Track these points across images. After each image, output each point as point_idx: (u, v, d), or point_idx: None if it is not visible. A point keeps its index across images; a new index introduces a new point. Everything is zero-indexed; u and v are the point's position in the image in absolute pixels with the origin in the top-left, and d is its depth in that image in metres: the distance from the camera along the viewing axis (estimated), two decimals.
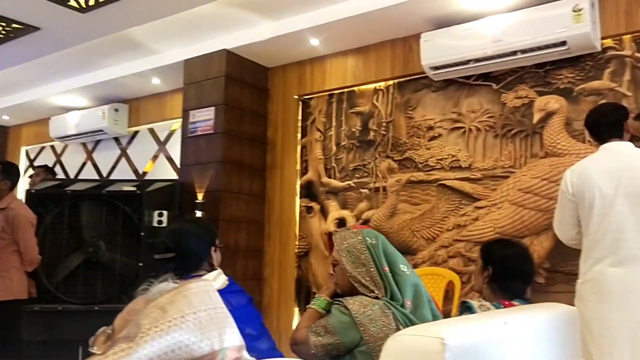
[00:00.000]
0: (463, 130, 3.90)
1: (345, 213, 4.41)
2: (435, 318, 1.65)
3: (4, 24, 4.21)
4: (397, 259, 1.63)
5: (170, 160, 5.48)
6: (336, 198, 4.47)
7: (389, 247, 1.66)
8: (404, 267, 1.61)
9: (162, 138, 5.63)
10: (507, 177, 3.68)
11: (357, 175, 4.37)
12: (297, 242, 4.59)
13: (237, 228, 4.45)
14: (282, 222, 4.67)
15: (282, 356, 1.58)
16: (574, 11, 3.16)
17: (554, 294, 3.41)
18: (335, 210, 4.47)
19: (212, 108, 4.44)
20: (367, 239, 1.66)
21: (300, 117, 4.72)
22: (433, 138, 4.03)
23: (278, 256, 4.63)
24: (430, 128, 4.04)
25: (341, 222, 4.42)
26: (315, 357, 1.60)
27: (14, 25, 4.22)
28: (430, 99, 4.06)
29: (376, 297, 1.56)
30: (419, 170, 4.06)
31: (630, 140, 2.74)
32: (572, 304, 3.31)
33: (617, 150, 2.45)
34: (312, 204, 4.59)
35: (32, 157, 7.02)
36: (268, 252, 4.70)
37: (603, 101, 3.35)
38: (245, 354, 0.87)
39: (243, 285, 4.40)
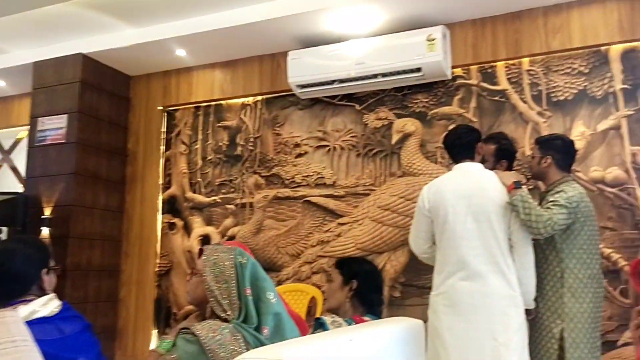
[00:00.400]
0: (328, 148, 3.99)
1: (210, 229, 4.29)
2: None
3: None
4: (265, 285, 1.55)
5: (15, 171, 4.95)
6: (201, 214, 4.33)
7: (260, 272, 1.59)
8: (270, 294, 1.53)
9: (6, 147, 5.08)
10: (368, 194, 3.81)
11: (223, 191, 4.28)
12: (157, 260, 4.36)
13: (90, 245, 4.12)
14: (141, 238, 4.42)
15: None
16: (428, 40, 3.39)
17: (409, 307, 3.57)
18: (199, 227, 4.32)
19: (65, 116, 4.10)
20: (238, 257, 1.58)
21: (164, 129, 4.53)
22: (299, 155, 4.07)
23: (136, 275, 4.36)
24: (297, 145, 4.08)
25: (205, 239, 4.28)
26: None
27: None
28: (297, 117, 4.11)
29: (226, 320, 1.47)
30: (285, 186, 4.07)
31: (481, 162, 2.98)
32: (426, 316, 3.52)
33: (468, 170, 2.60)
34: (175, 219, 4.40)
35: None
36: (125, 270, 4.41)
37: (452, 126, 3.61)
38: None
39: (95, 307, 4.12)
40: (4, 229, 3.68)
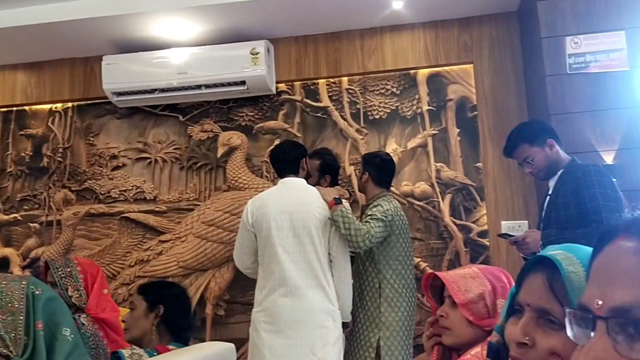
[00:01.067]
0: (149, 160, 3.75)
1: (9, 251, 3.76)
2: None
3: None
4: (62, 320, 1.33)
5: None
6: None
7: (58, 304, 1.36)
8: (67, 330, 1.32)
9: None
10: (192, 209, 3.65)
11: (25, 207, 3.79)
12: None
13: None
14: None
15: None
16: (252, 54, 3.36)
17: (233, 325, 3.48)
18: None
19: None
20: (32, 287, 1.32)
21: None
22: (117, 168, 3.76)
23: None
24: (114, 157, 3.78)
25: (4, 262, 3.75)
26: None
27: None
28: (115, 126, 3.81)
29: (8, 357, 1.24)
30: (99, 202, 3.73)
31: (306, 177, 3.01)
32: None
33: (292, 185, 2.60)
34: None
35: None
36: None
37: (278, 140, 3.62)
38: None
39: None
40: None
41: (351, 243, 2.48)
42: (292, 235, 2.45)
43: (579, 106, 2.77)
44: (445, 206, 3.35)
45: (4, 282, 1.32)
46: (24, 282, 1.33)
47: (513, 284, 1.33)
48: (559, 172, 2.31)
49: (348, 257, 2.56)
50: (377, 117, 3.53)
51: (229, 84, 3.47)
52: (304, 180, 2.65)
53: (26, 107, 3.88)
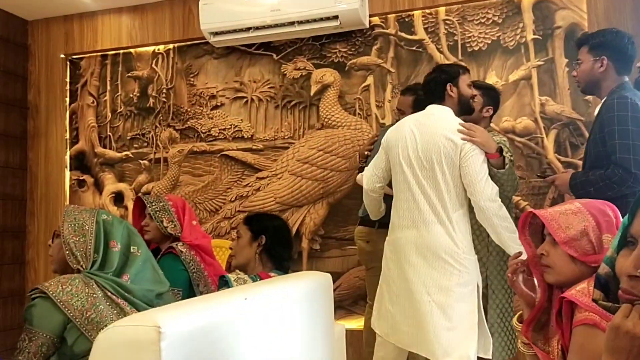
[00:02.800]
0: (245, 100, 3.84)
1: (123, 186, 4.08)
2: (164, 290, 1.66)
3: None
4: (130, 241, 1.61)
5: None
6: (112, 170, 4.10)
7: (130, 230, 1.65)
8: (134, 248, 1.60)
9: None
10: (287, 147, 3.73)
11: (135, 145, 4.06)
12: None
13: None
14: (48, 197, 4.15)
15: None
16: None
17: (328, 259, 3.59)
18: (111, 184, 4.10)
19: None
20: (102, 215, 1.62)
21: (68, 80, 4.20)
22: (216, 107, 3.90)
23: (44, 236, 4.11)
24: (213, 97, 3.91)
25: (118, 196, 4.08)
26: None
27: None
28: (212, 67, 3.92)
29: (78, 271, 1.49)
30: (201, 140, 3.91)
31: (401, 113, 2.94)
32: (344, 267, 3.55)
33: (431, 114, 2.37)
34: (85, 176, 4.15)
35: None
36: (32, 231, 4.15)
37: (371, 77, 3.56)
38: None
39: (0, 270, 3.86)
40: None
41: (505, 196, 2.32)
42: (417, 166, 2.27)
43: None
44: (549, 142, 3.16)
45: (77, 212, 1.61)
46: (94, 212, 1.63)
47: (620, 217, 1.25)
48: (602, 101, 2.11)
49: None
50: (476, 48, 3.35)
51: (322, 19, 3.42)
52: (446, 109, 2.36)
53: (132, 50, 4.08)
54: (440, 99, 2.38)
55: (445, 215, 2.21)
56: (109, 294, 1.46)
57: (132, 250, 1.59)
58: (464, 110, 2.41)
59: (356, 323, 3.39)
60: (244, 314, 1.21)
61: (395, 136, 2.37)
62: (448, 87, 2.37)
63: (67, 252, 1.53)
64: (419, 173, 2.26)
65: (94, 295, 1.45)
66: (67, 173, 4.16)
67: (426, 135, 2.28)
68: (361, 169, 3.09)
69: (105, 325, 1.34)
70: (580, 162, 3.07)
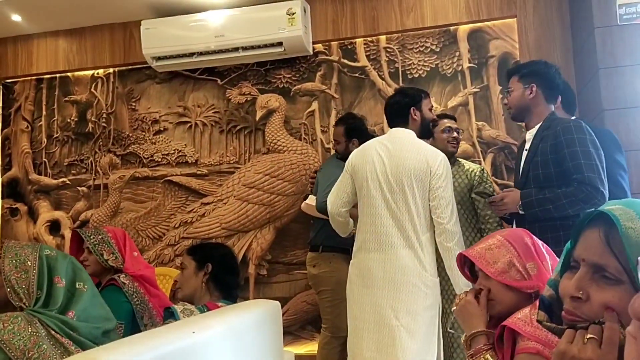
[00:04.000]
0: (189, 124, 3.80)
1: (59, 214, 3.92)
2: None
3: None
4: (76, 277, 1.58)
5: None
6: (48, 197, 3.94)
7: (74, 264, 1.63)
8: (80, 283, 1.57)
9: None
10: (232, 172, 3.70)
11: (73, 172, 3.92)
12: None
13: None
14: None
15: None
16: (288, 14, 3.32)
17: (275, 284, 3.57)
18: (47, 212, 3.93)
19: None
20: (46, 250, 1.59)
21: (0, 104, 4.02)
22: (159, 132, 3.84)
23: None
24: (156, 121, 3.84)
25: (54, 225, 3.91)
26: None
27: None
28: (155, 91, 3.86)
29: (21, 308, 1.43)
30: (143, 165, 3.83)
31: (336, 143, 3.01)
32: (291, 293, 3.53)
33: (396, 137, 2.37)
34: (18, 204, 3.96)
35: None
36: None
37: (315, 103, 3.61)
38: None
39: None
40: None
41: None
42: (387, 190, 2.26)
43: (629, 59, 2.65)
44: (487, 165, 3.29)
45: (18, 247, 1.57)
46: (36, 247, 1.60)
47: (538, 243, 1.33)
48: (537, 127, 2.20)
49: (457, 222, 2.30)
50: (416, 75, 3.47)
51: (266, 46, 3.45)
52: (411, 132, 2.38)
53: (69, 74, 3.97)
54: (404, 123, 2.40)
55: (415, 237, 2.21)
56: (53, 332, 1.40)
57: (77, 286, 1.55)
58: (424, 133, 2.45)
59: (304, 348, 3.37)
60: (192, 348, 1.18)
61: (361, 160, 2.36)
62: (412, 111, 2.39)
63: (9, 289, 1.49)
64: (388, 196, 2.26)
65: (37, 334, 1.40)
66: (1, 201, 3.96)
67: (395, 158, 2.28)
68: (305, 197, 3.13)
69: None
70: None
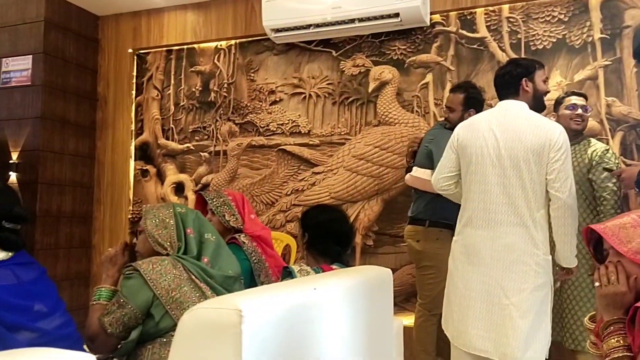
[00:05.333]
0: (303, 95, 3.91)
1: (184, 177, 4.23)
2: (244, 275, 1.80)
3: None
4: (203, 229, 1.76)
5: None
6: (174, 161, 4.26)
7: (201, 218, 1.82)
8: (209, 234, 1.74)
9: None
10: (343, 143, 3.77)
11: (196, 138, 4.20)
12: (130, 208, 4.31)
13: (61, 192, 4.05)
14: (113, 185, 4.35)
15: (73, 331, 1.45)
16: None
17: (382, 255, 3.62)
18: (173, 174, 4.26)
19: (29, 56, 3.92)
20: (177, 208, 1.78)
21: (135, 73, 4.38)
22: (274, 102, 3.99)
23: (109, 222, 4.32)
24: (272, 92, 3.99)
25: (179, 186, 4.23)
26: (115, 341, 1.53)
27: None
28: (272, 62, 4.00)
29: (167, 255, 1.61)
30: (260, 134, 4.01)
31: (450, 111, 2.93)
32: (397, 265, 3.56)
33: (507, 109, 2.27)
34: (148, 166, 4.33)
35: None
36: (97, 217, 4.36)
37: (430, 75, 3.55)
38: None
39: (68, 253, 4.08)
40: None
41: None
42: (498, 165, 2.17)
43: None
44: (615, 144, 3.07)
45: (155, 209, 1.79)
46: (170, 206, 1.81)
47: None
48: None
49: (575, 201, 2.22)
50: (540, 47, 3.29)
51: (382, 17, 3.44)
52: (523, 104, 2.27)
53: (195, 45, 4.22)
54: (514, 94, 2.29)
55: (529, 214, 2.13)
56: (193, 277, 1.57)
57: (206, 236, 1.72)
58: (537, 106, 2.32)
59: (407, 319, 3.40)
60: (314, 304, 1.26)
61: (469, 135, 2.27)
62: (523, 82, 2.28)
63: (154, 243, 1.68)
64: (500, 172, 2.16)
65: (180, 276, 1.57)
66: (132, 163, 4.34)
67: (509, 131, 2.18)
68: (408, 169, 3.08)
69: (188, 306, 1.44)
70: None
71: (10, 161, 3.86)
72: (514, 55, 3.33)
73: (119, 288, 1.60)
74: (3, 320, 1.28)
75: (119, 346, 1.53)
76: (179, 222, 1.71)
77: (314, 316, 1.22)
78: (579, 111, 2.61)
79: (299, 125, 3.90)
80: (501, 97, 2.34)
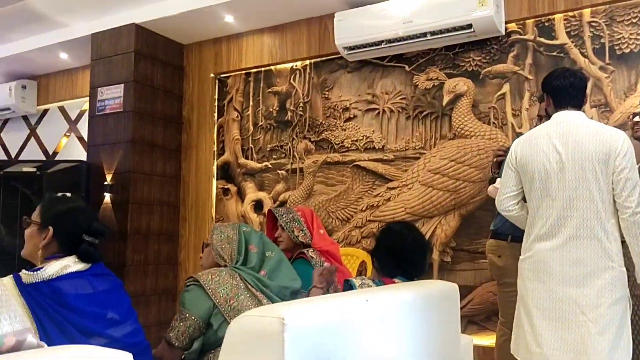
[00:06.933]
0: (377, 111, 3.91)
1: (263, 195, 4.35)
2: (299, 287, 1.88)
3: None
4: (266, 247, 1.88)
5: (81, 140, 5.21)
6: (253, 179, 4.40)
7: (265, 238, 1.95)
8: (270, 252, 1.86)
9: (72, 117, 5.35)
10: (417, 158, 3.72)
11: (274, 156, 4.31)
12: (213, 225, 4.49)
13: (150, 211, 4.31)
14: (197, 204, 4.56)
15: (142, 340, 1.53)
16: None
17: (459, 272, 3.50)
18: (252, 192, 4.40)
19: (121, 85, 4.24)
20: (243, 227, 1.92)
21: (217, 97, 4.60)
22: (349, 119, 4.02)
23: (194, 240, 4.52)
24: (346, 109, 4.03)
25: (258, 204, 4.36)
26: (181, 353, 1.63)
27: None
28: (346, 80, 4.05)
29: (225, 266, 1.72)
30: (334, 151, 4.05)
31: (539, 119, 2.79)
32: (476, 282, 3.43)
33: (566, 120, 2.20)
34: (229, 185, 4.50)
35: None
36: (183, 235, 4.58)
37: (507, 85, 3.44)
38: (29, 336, 0.81)
39: (156, 269, 4.31)
40: (68, 194, 3.88)
41: None
42: (563, 179, 2.10)
43: None
44: None
45: (223, 226, 1.95)
46: (236, 225, 1.96)
47: None
48: None
49: None
50: (626, 51, 3.08)
51: (455, 29, 3.38)
52: (581, 114, 2.20)
53: (272, 67, 4.37)
54: (578, 106, 2.23)
55: (600, 226, 2.03)
56: (250, 286, 1.66)
57: (267, 254, 1.85)
58: None
59: (489, 339, 3.26)
60: (364, 315, 1.25)
61: (529, 152, 2.20)
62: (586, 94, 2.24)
63: (216, 255, 1.83)
64: (567, 185, 2.09)
65: (237, 286, 1.67)
66: (214, 182, 4.54)
67: (571, 143, 2.10)
68: (492, 180, 2.97)
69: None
70: None
71: (105, 183, 4.16)
72: (598, 61, 3.15)
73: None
74: (79, 326, 1.38)
75: (182, 357, 1.61)
76: (242, 239, 1.83)
77: (363, 328, 1.21)
78: (636, 119, 2.45)
79: (373, 141, 3.90)
80: (562, 107, 2.24)
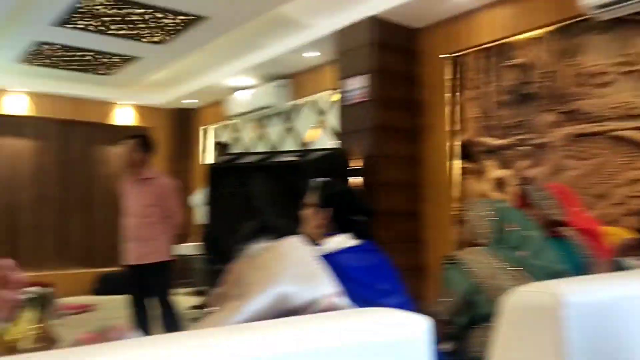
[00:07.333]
0: (637, 73, 3.47)
1: (504, 172, 4.23)
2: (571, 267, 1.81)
3: (180, 17, 4.79)
4: (525, 225, 1.89)
5: (329, 130, 5.73)
6: (494, 157, 4.30)
7: (523, 216, 1.96)
8: (530, 231, 1.86)
9: (322, 109, 5.90)
10: None
11: (516, 132, 4.15)
12: (455, 204, 4.53)
13: (393, 192, 4.54)
14: (435, 184, 4.65)
15: (413, 309, 1.66)
16: None
17: None
18: (493, 170, 4.31)
19: (364, 76, 4.54)
20: (499, 204, 1.98)
21: (451, 77, 4.60)
22: (601, 85, 3.65)
23: (433, 219, 4.63)
24: (598, 74, 3.67)
25: (500, 182, 4.26)
26: (443, 327, 1.72)
27: (185, 17, 4.78)
28: (594, 42, 3.68)
29: (484, 245, 1.75)
30: (586, 122, 3.73)
31: None
32: None
33: None
34: (468, 164, 4.48)
35: (212, 135, 7.84)
36: (425, 214, 4.72)
37: None
38: (344, 298, 0.97)
39: (398, 247, 4.54)
40: (327, 179, 4.32)
41: None
42: None
43: None
44: None
45: (479, 203, 1.98)
46: (494, 202, 2.06)
47: None
48: None
49: None
50: None
51: None
52: None
53: (508, 40, 4.19)
54: None
55: None
56: (509, 266, 1.67)
57: (527, 233, 1.85)
58: None
59: None
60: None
61: None
62: None
63: (474, 234, 1.90)
64: None
65: (496, 265, 1.72)
66: (455, 162, 4.56)
67: None
68: None
69: (505, 291, 1.53)
70: None
71: (356, 167, 4.52)
72: None
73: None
74: (356, 295, 1.59)
75: (448, 332, 1.72)
76: (499, 216, 1.86)
77: None
78: None
79: (634, 108, 3.48)
80: None
